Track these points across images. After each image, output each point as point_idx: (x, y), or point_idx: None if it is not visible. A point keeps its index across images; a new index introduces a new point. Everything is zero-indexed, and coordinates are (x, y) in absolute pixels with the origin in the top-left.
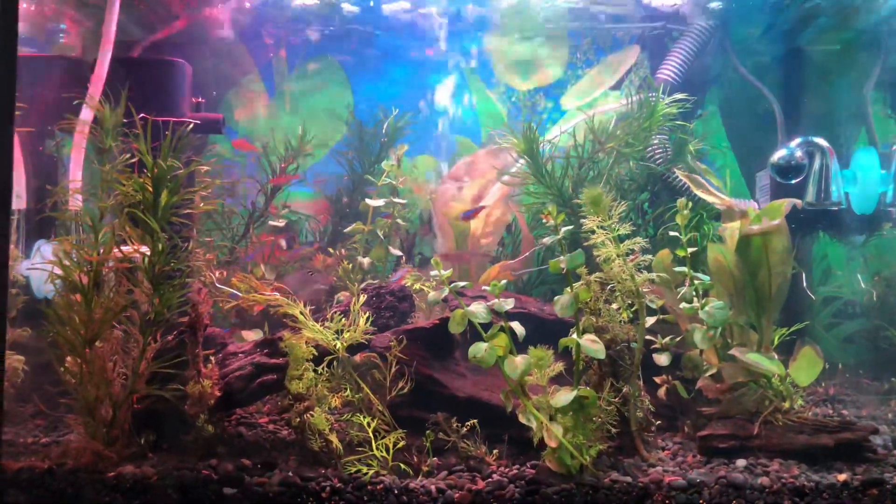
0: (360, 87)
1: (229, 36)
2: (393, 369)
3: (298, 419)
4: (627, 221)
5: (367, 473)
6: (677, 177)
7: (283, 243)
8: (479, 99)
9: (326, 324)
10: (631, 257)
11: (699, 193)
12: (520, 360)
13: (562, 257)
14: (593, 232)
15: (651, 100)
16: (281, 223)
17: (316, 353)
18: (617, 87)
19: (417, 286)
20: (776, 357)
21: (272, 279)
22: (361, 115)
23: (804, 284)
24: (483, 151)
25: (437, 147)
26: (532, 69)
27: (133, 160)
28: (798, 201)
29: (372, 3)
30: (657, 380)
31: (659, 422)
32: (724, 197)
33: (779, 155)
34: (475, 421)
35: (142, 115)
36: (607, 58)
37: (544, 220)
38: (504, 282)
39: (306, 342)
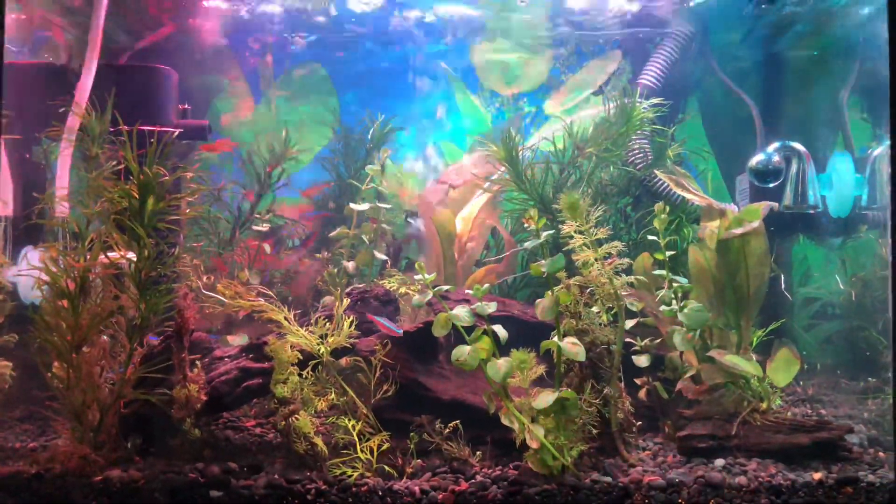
0: (346, 93)
1: (216, 42)
2: (377, 373)
3: (284, 423)
4: (607, 226)
5: (351, 475)
6: (657, 181)
7: (267, 248)
8: (464, 104)
9: (311, 328)
10: (609, 261)
11: (679, 192)
12: (503, 363)
13: (542, 261)
14: (572, 237)
15: (630, 105)
16: (265, 227)
17: (301, 358)
18: (599, 92)
19: (402, 290)
20: (754, 358)
21: (256, 283)
22: (347, 120)
23: (782, 286)
24: (470, 157)
25: (421, 152)
26: (516, 74)
27: (120, 167)
28: (775, 204)
29: (358, 10)
30: (638, 381)
31: (639, 423)
32: (703, 195)
33: (757, 159)
34: (459, 423)
35: (126, 126)
36: (590, 63)
37: (525, 225)
38: (487, 285)
39: (291, 347)
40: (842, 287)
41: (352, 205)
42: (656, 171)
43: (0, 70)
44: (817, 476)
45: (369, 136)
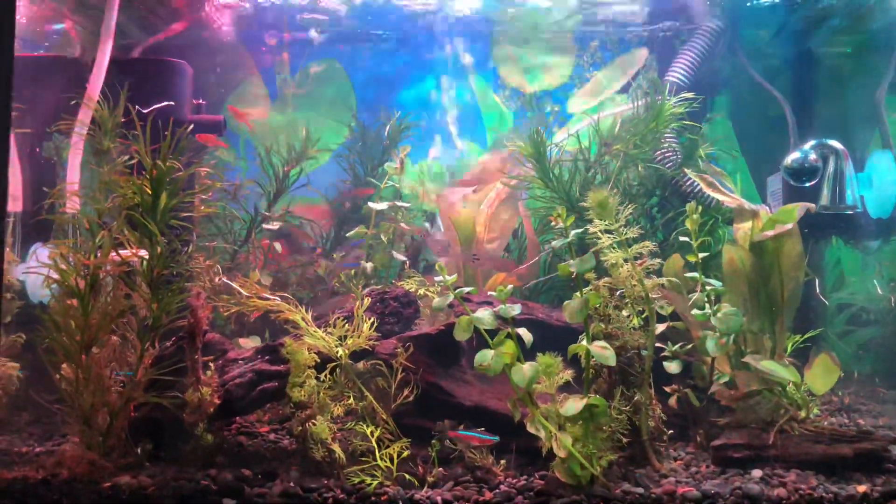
0: (364, 90)
1: (231, 38)
2: (398, 377)
3: (300, 428)
4: (636, 226)
5: (370, 484)
6: (687, 181)
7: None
8: (485, 102)
9: (329, 330)
10: (639, 262)
11: (710, 192)
12: (528, 368)
13: (571, 261)
14: (599, 237)
15: (658, 102)
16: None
17: (318, 360)
18: (625, 90)
19: (421, 292)
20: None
21: (268, 284)
22: (364, 118)
23: (818, 290)
24: (489, 156)
25: (441, 150)
26: (539, 72)
27: (132, 161)
28: (812, 206)
29: (377, 6)
30: (667, 389)
31: (671, 431)
32: (734, 196)
33: (792, 157)
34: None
35: (139, 119)
36: (615, 60)
37: (553, 224)
38: (510, 287)
39: (308, 349)
40: (879, 292)
41: (370, 203)
42: (686, 171)
43: (10, 64)
44: (861, 489)
45: (386, 134)
